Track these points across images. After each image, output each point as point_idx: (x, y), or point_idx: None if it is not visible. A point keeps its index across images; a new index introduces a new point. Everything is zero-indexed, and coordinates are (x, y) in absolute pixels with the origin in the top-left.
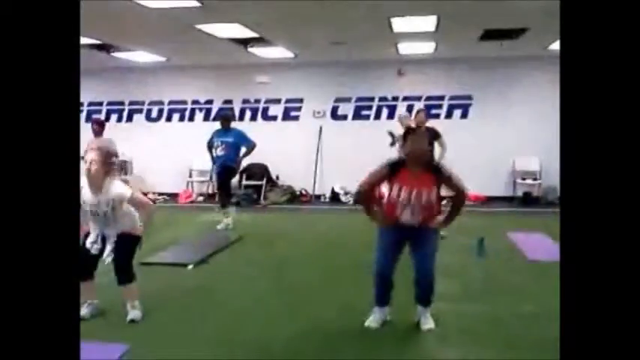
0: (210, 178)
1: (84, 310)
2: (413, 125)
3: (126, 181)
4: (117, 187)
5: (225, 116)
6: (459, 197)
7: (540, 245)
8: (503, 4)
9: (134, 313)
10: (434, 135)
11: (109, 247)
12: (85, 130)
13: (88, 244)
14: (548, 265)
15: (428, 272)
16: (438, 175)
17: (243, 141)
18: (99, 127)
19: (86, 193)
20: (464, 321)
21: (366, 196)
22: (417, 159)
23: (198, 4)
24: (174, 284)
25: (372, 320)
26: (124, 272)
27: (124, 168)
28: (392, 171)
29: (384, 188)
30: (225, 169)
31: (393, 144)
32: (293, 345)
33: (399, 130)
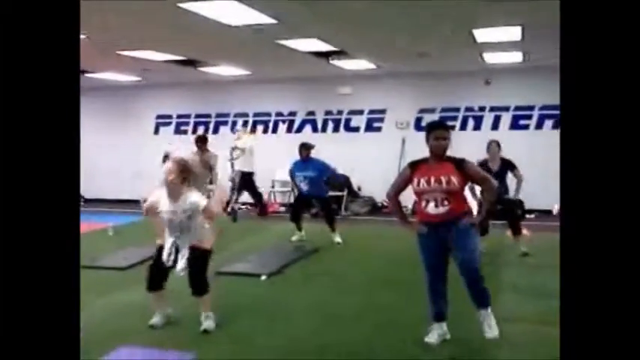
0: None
1: (155, 319)
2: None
3: (211, 191)
4: (193, 197)
5: (305, 145)
6: (487, 188)
7: None
8: None
9: (208, 324)
10: (509, 167)
11: (181, 260)
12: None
13: (164, 257)
14: None
15: (471, 269)
16: (460, 165)
17: (325, 171)
18: (202, 144)
19: (164, 201)
20: (546, 346)
21: (394, 201)
22: (438, 155)
23: (274, 22)
24: (246, 294)
25: (431, 337)
26: (199, 284)
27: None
28: (412, 168)
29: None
30: (324, 201)
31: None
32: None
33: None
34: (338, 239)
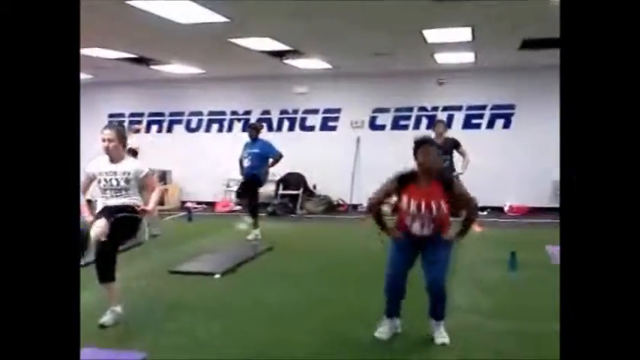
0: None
1: (105, 317)
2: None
3: (165, 190)
4: (136, 162)
5: (252, 126)
6: (470, 210)
7: None
8: (538, 14)
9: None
10: (453, 145)
11: (101, 224)
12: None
13: (86, 219)
14: None
15: (438, 281)
16: (448, 189)
17: (269, 151)
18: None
19: (103, 164)
20: (486, 338)
21: (375, 210)
22: (427, 172)
23: (226, 20)
24: (199, 293)
25: (382, 331)
26: (109, 247)
27: (163, 178)
28: (400, 184)
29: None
30: (249, 180)
31: None
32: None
33: None
34: (251, 237)
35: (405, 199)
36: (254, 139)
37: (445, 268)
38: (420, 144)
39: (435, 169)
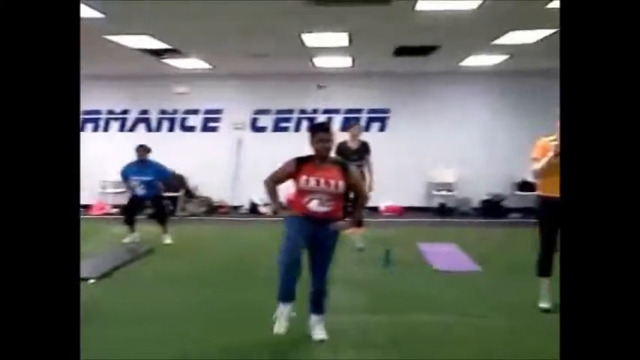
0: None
1: None
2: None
3: None
4: None
5: (143, 147)
6: (361, 196)
7: (447, 255)
8: (409, 25)
9: None
10: (367, 150)
11: None
12: None
13: None
14: (451, 275)
15: (324, 278)
16: (346, 170)
17: (164, 176)
18: None
19: None
20: (361, 333)
21: (272, 189)
22: (323, 156)
23: (101, 15)
24: None
25: (282, 325)
26: None
27: None
28: (298, 164)
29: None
30: (157, 201)
31: None
32: None
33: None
34: (168, 240)
35: (303, 177)
36: (142, 161)
37: (330, 265)
38: (315, 130)
39: (329, 153)
